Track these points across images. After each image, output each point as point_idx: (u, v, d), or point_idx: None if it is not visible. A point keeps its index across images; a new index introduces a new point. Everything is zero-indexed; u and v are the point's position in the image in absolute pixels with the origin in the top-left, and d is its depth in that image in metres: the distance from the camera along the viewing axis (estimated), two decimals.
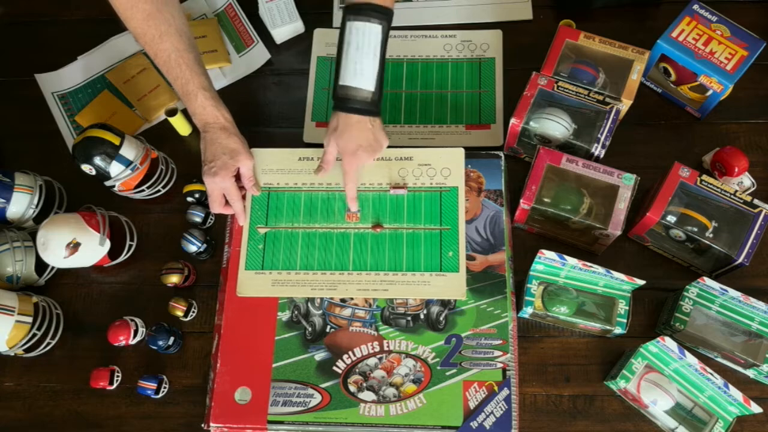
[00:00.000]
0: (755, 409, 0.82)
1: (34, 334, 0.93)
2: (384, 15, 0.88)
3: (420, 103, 1.10)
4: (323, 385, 0.90)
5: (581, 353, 0.94)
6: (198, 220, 1.01)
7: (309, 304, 0.95)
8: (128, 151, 0.97)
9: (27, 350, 0.96)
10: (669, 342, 0.83)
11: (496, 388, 0.89)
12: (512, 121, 0.97)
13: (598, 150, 0.95)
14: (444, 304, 0.93)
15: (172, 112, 1.06)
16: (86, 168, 0.96)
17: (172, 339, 0.94)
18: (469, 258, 0.95)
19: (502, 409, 0.88)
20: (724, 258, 0.90)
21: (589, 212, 0.92)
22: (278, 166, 1.01)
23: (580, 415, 0.91)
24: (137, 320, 0.97)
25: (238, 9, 1.18)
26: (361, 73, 0.89)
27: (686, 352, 0.83)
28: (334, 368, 0.91)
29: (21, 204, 0.99)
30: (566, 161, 0.93)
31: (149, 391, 0.93)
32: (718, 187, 0.90)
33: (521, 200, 0.93)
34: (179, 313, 0.96)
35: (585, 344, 0.95)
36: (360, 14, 0.87)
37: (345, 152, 0.93)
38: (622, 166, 0.93)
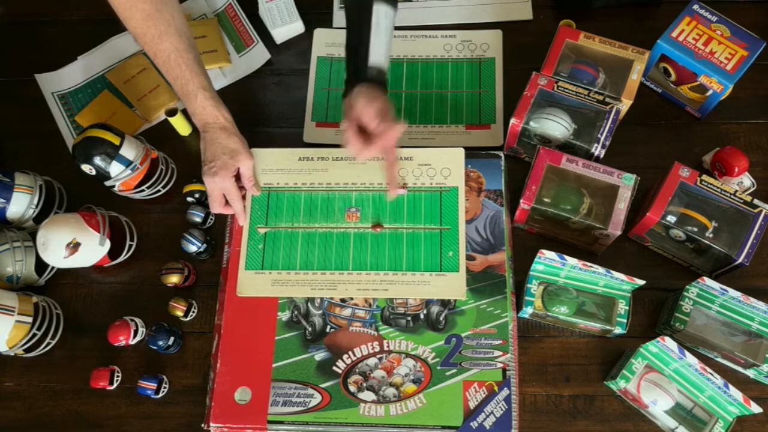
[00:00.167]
0: (755, 409, 0.82)
1: (34, 334, 0.93)
2: (396, 2, 0.93)
3: (420, 103, 1.10)
4: (323, 385, 0.90)
5: (581, 353, 0.94)
6: (198, 220, 1.01)
7: (309, 304, 0.95)
8: (128, 151, 0.97)
9: (27, 350, 0.96)
10: (669, 342, 0.83)
11: (496, 388, 0.89)
12: (512, 121, 0.97)
13: (598, 150, 0.95)
14: (444, 304, 0.93)
15: (172, 112, 1.06)
16: (86, 168, 0.96)
17: (172, 339, 0.94)
18: (469, 258, 0.95)
19: (502, 409, 0.88)
20: (724, 258, 0.90)
21: (589, 212, 0.92)
22: (278, 166, 1.01)
23: (580, 415, 0.91)
24: (137, 320, 0.97)
25: (238, 9, 1.18)
26: (386, 53, 0.92)
27: (686, 352, 0.83)
28: (334, 368, 0.91)
29: (21, 204, 0.99)
30: (566, 161, 0.93)
31: (149, 391, 0.93)
32: (718, 187, 0.90)
33: (521, 200, 0.93)
34: (179, 313, 0.96)
35: (585, 344, 0.95)
36: (387, 0, 0.91)
37: (382, 114, 0.89)
38: (622, 166, 0.93)
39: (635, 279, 0.87)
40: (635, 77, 0.99)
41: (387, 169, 0.96)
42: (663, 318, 0.93)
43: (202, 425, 0.91)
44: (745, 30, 0.98)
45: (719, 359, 0.92)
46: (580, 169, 0.93)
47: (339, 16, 1.18)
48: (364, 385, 0.90)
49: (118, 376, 0.95)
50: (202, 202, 1.03)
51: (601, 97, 0.97)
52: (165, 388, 0.94)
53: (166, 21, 0.90)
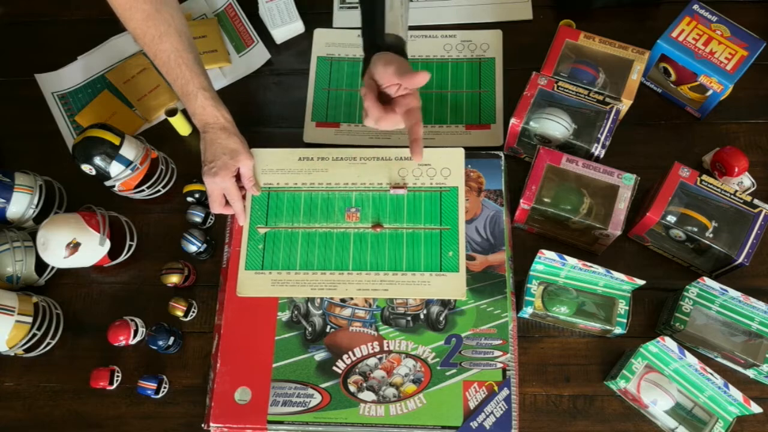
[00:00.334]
0: (755, 409, 0.82)
1: (34, 334, 0.93)
2: None
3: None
4: (323, 385, 0.90)
5: (581, 353, 0.94)
6: (198, 220, 1.01)
7: (309, 304, 0.95)
8: (128, 151, 0.97)
9: (27, 350, 0.96)
10: (669, 342, 0.83)
11: (496, 388, 0.89)
12: (512, 121, 0.97)
13: (598, 150, 0.95)
14: (444, 304, 0.93)
15: (172, 112, 1.06)
16: (86, 168, 0.96)
17: (172, 339, 0.94)
18: (469, 258, 0.95)
19: (502, 409, 0.88)
20: (724, 258, 0.90)
21: (589, 212, 0.92)
22: (278, 166, 1.01)
23: (580, 415, 0.91)
24: (137, 320, 0.97)
25: (238, 9, 1.18)
26: (403, 26, 0.90)
27: (686, 352, 0.83)
28: (334, 368, 0.91)
29: (21, 204, 0.99)
30: (566, 161, 0.93)
31: (149, 391, 0.93)
32: (718, 187, 0.90)
33: (521, 200, 0.93)
34: (179, 313, 0.96)
35: (585, 344, 0.95)
36: None
37: (402, 71, 0.85)
38: (622, 166, 0.93)
39: (635, 279, 0.87)
40: (635, 77, 0.99)
41: (410, 128, 0.87)
42: (663, 318, 0.93)
43: (202, 425, 0.91)
44: (745, 30, 0.98)
45: (719, 359, 0.92)
46: (580, 169, 0.93)
47: (339, 16, 1.18)
48: (364, 385, 0.90)
49: (118, 376, 0.95)
50: (202, 202, 1.03)
51: (601, 97, 0.97)
52: (165, 388, 0.95)
53: (166, 21, 0.90)
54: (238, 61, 1.15)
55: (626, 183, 0.91)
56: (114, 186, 0.99)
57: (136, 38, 0.92)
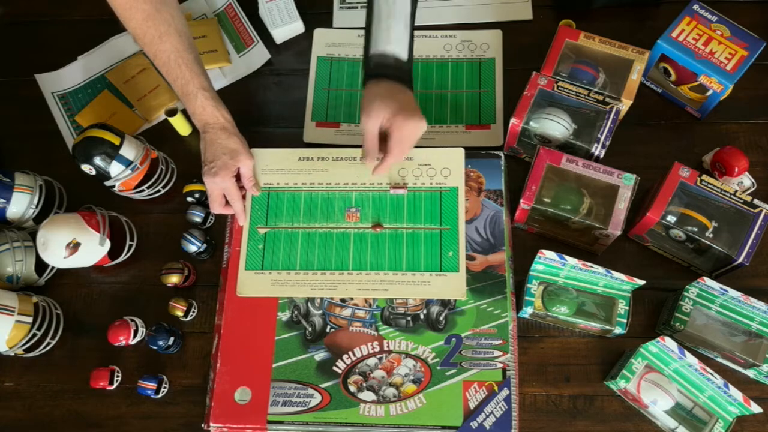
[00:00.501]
0: (755, 409, 0.82)
1: (34, 334, 0.93)
2: None
3: (420, 103, 1.09)
4: (323, 385, 0.90)
5: (581, 353, 0.94)
6: (198, 220, 1.01)
7: (309, 304, 0.95)
8: (128, 151, 0.97)
9: (27, 350, 0.96)
10: (669, 342, 0.83)
11: (496, 388, 0.89)
12: (512, 121, 0.97)
13: (598, 150, 0.95)
14: (444, 304, 0.93)
15: (172, 112, 1.06)
16: (86, 168, 0.96)
17: (172, 339, 0.94)
18: (469, 258, 0.95)
19: (502, 409, 0.88)
20: (724, 258, 0.90)
21: (589, 212, 0.92)
22: (278, 166, 1.01)
23: (580, 415, 0.91)
24: (137, 320, 0.97)
25: (238, 9, 1.18)
26: (394, 40, 0.85)
27: (686, 352, 0.83)
28: (334, 368, 0.91)
29: (21, 204, 0.99)
30: (566, 161, 0.93)
31: (149, 391, 0.93)
32: (718, 187, 0.90)
33: (521, 200, 0.93)
34: (179, 313, 0.96)
35: (585, 344, 0.95)
36: None
37: (395, 115, 0.85)
38: (622, 166, 0.93)
39: (635, 279, 0.87)
40: (635, 77, 0.99)
41: (385, 156, 0.88)
42: (663, 318, 0.93)
43: (202, 425, 0.91)
44: (745, 30, 0.98)
45: (719, 359, 0.92)
46: (580, 169, 0.93)
47: (339, 16, 1.18)
48: (364, 385, 0.90)
49: (118, 376, 0.95)
50: (202, 202, 1.03)
51: (601, 97, 0.97)
52: (165, 388, 0.94)
53: (166, 21, 0.90)
54: (238, 61, 1.15)
55: (626, 183, 0.91)
56: (114, 186, 0.99)
57: (136, 38, 0.92)
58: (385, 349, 0.92)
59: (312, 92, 1.12)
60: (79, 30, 1.20)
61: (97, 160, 0.95)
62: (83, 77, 1.16)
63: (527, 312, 0.93)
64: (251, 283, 0.96)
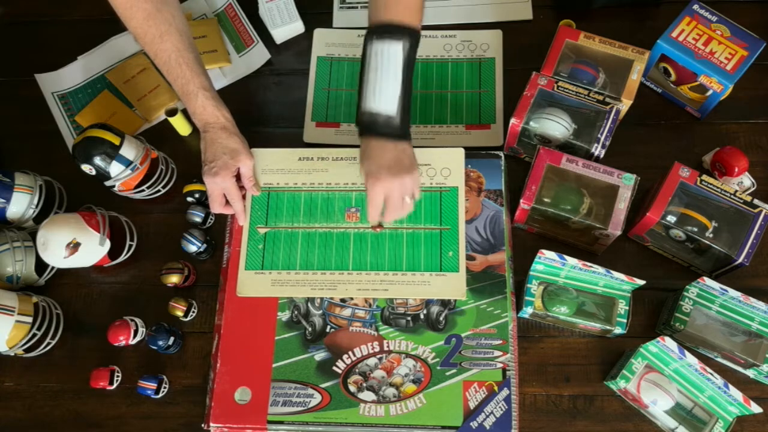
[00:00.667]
0: (755, 409, 0.82)
1: (34, 334, 0.93)
2: (406, 34, 0.84)
3: (420, 103, 1.10)
4: (323, 385, 0.90)
5: (581, 353, 0.94)
6: (198, 220, 1.01)
7: (309, 304, 0.95)
8: (128, 151, 0.97)
9: (27, 350, 0.96)
10: (669, 342, 0.83)
11: (496, 388, 0.89)
12: (512, 121, 0.97)
13: (598, 150, 0.95)
14: (444, 304, 0.93)
15: (172, 112, 1.06)
16: (86, 168, 0.96)
17: (172, 339, 0.94)
18: (469, 258, 0.95)
19: (502, 409, 0.88)
20: (724, 258, 0.90)
21: (589, 212, 0.92)
22: (278, 166, 1.01)
23: (580, 415, 0.91)
24: (137, 320, 0.97)
25: (238, 9, 1.18)
26: (380, 97, 0.85)
27: (686, 352, 0.83)
28: (334, 368, 0.91)
29: (21, 204, 0.99)
30: (566, 161, 0.93)
31: (149, 391, 0.93)
32: (718, 187, 0.90)
33: (521, 200, 0.93)
34: (179, 313, 0.96)
35: (585, 344, 0.95)
36: (379, 35, 0.84)
37: (367, 176, 0.89)
38: (622, 166, 0.93)
39: (635, 279, 0.87)
40: (635, 77, 0.99)
41: (367, 212, 0.92)
42: (663, 318, 0.93)
43: (202, 425, 0.91)
44: (745, 30, 0.98)
45: (719, 359, 0.92)
46: (580, 169, 0.93)
47: (339, 16, 1.18)
48: (364, 385, 0.90)
49: (118, 376, 0.95)
50: (202, 202, 1.03)
51: (601, 97, 0.97)
52: (165, 388, 0.94)
53: (167, 21, 0.90)
54: (238, 61, 1.15)
55: (626, 183, 0.91)
56: (114, 186, 0.99)
57: (137, 38, 0.92)
58: (385, 349, 0.92)
59: (312, 92, 1.12)
60: (79, 30, 1.20)
61: (97, 160, 0.95)
62: (83, 77, 1.16)
63: (527, 312, 0.93)
64: (251, 283, 0.96)
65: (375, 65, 0.85)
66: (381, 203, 0.90)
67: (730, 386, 0.82)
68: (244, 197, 0.99)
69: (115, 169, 0.96)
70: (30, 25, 1.22)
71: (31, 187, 1.00)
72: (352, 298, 0.94)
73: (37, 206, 1.00)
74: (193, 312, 0.99)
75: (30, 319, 0.93)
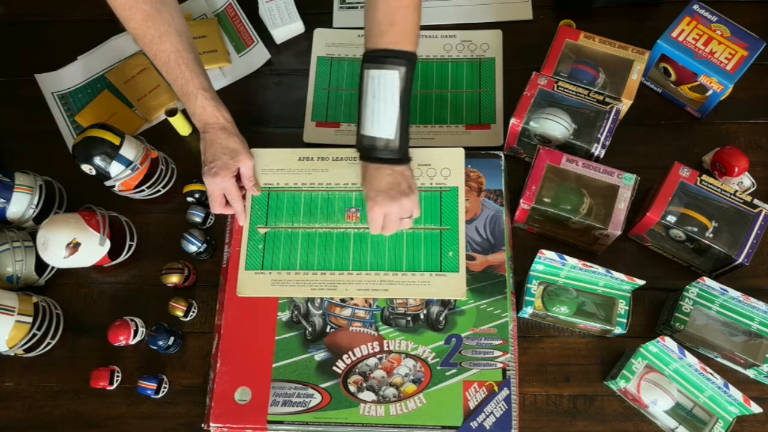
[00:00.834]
0: (755, 409, 0.82)
1: (34, 334, 0.93)
2: (402, 59, 0.85)
3: (420, 103, 1.10)
4: (323, 385, 0.90)
5: (581, 353, 0.94)
6: (198, 220, 1.01)
7: (309, 304, 0.95)
8: (128, 151, 0.97)
9: (27, 350, 0.96)
10: (669, 342, 0.83)
11: (496, 388, 0.89)
12: (512, 121, 0.97)
13: (598, 150, 0.95)
14: (444, 304, 0.93)
15: (172, 112, 1.06)
16: (86, 168, 0.96)
17: (172, 339, 0.94)
18: (469, 258, 0.95)
19: (502, 409, 0.88)
20: (724, 258, 0.90)
21: (589, 212, 0.92)
22: (278, 166, 1.01)
23: (580, 415, 0.91)
24: (137, 320, 0.97)
25: (238, 9, 1.18)
26: (378, 122, 0.87)
27: (686, 352, 0.83)
28: (334, 368, 0.91)
29: (21, 204, 0.99)
30: (566, 161, 0.93)
31: (149, 391, 0.93)
32: (718, 187, 0.90)
33: (521, 200, 0.93)
34: (179, 313, 0.96)
35: (585, 344, 0.95)
36: (375, 62, 0.85)
37: (367, 199, 0.92)
38: (622, 166, 0.93)
39: (635, 279, 0.87)
40: (635, 77, 0.99)
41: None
42: (663, 318, 0.93)
43: (202, 425, 0.91)
44: (745, 30, 0.98)
45: (719, 359, 0.92)
46: (580, 169, 0.93)
47: (339, 16, 1.18)
48: (364, 385, 0.90)
49: (118, 376, 0.95)
50: (202, 202, 1.03)
51: (601, 97, 0.97)
52: (165, 388, 0.95)
53: (166, 21, 0.90)
54: (238, 61, 1.15)
55: (626, 183, 0.91)
56: (114, 186, 0.99)
57: (136, 38, 0.92)
58: (385, 349, 0.92)
59: (312, 92, 1.12)
60: (79, 30, 1.20)
61: (97, 160, 0.95)
62: (83, 77, 1.16)
63: (527, 312, 0.93)
64: (251, 283, 0.96)
65: (372, 91, 0.86)
66: (380, 224, 0.93)
67: (730, 386, 0.82)
68: (244, 197, 0.99)
69: (115, 169, 0.96)
70: (30, 25, 1.22)
71: (31, 187, 1.00)
72: (352, 298, 0.94)
73: (37, 206, 1.00)
74: (193, 312, 0.99)
75: (30, 319, 0.93)
